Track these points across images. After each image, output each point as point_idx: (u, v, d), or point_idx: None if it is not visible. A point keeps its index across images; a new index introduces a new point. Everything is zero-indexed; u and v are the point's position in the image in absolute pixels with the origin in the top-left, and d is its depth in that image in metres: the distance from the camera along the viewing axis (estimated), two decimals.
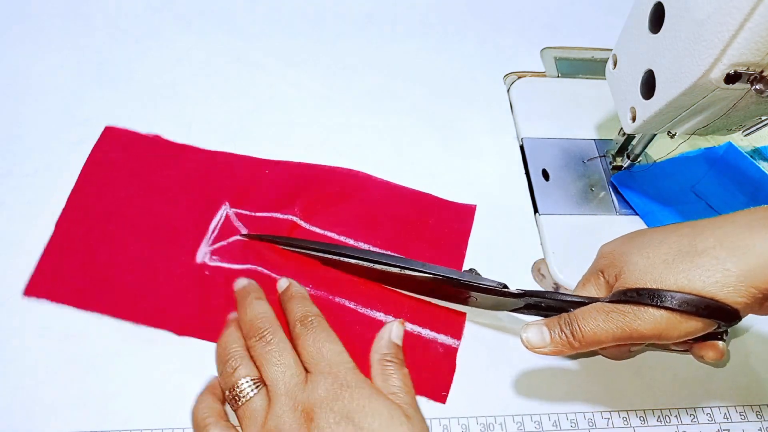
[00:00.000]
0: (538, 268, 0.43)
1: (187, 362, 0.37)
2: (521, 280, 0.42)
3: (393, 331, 0.36)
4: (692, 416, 0.38)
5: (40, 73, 0.48)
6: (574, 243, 0.43)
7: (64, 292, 0.38)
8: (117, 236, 0.40)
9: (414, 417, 0.32)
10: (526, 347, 0.33)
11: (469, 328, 0.40)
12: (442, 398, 0.37)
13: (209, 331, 0.37)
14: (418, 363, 0.37)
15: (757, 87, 0.31)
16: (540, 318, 0.35)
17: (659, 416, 0.37)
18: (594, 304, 0.33)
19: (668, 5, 0.34)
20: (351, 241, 0.42)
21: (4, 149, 0.44)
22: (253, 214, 0.42)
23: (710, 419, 0.38)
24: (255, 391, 0.32)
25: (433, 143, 0.48)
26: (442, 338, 0.39)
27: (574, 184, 0.47)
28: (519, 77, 0.53)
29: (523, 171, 0.47)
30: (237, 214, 0.42)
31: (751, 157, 0.48)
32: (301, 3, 0.56)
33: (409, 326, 0.38)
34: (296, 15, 0.55)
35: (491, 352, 0.39)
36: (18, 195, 0.42)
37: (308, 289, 0.39)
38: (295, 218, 0.42)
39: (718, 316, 0.29)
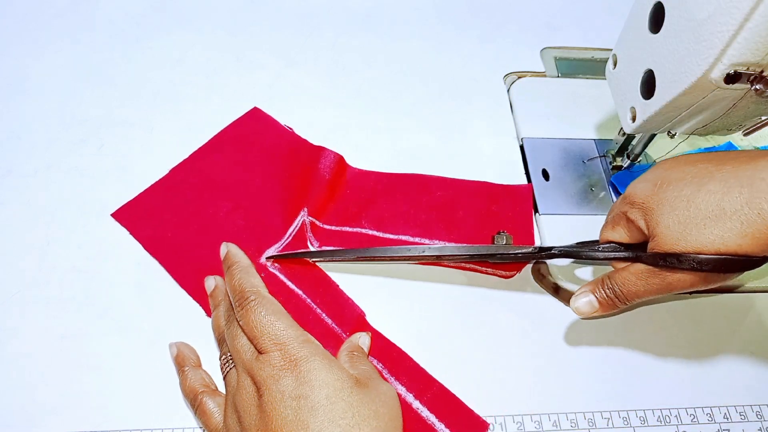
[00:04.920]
0: (538, 269, 0.43)
1: None
2: (521, 280, 0.42)
3: (362, 338, 0.37)
4: (692, 416, 0.38)
5: (40, 73, 0.48)
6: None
7: (143, 231, 0.41)
8: (210, 206, 0.42)
9: (372, 386, 0.32)
10: (579, 315, 0.37)
11: (468, 328, 0.40)
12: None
13: None
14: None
15: (757, 87, 0.31)
16: (582, 284, 0.37)
17: (659, 416, 0.37)
18: (634, 267, 0.34)
19: (668, 5, 0.34)
20: (426, 241, 0.42)
21: (4, 149, 0.44)
22: (324, 226, 0.42)
23: (710, 419, 0.38)
24: (231, 365, 0.34)
25: (433, 143, 0.48)
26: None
27: (574, 184, 0.47)
28: (519, 77, 0.53)
29: (523, 171, 0.47)
30: (311, 224, 0.42)
31: None
32: (301, 3, 0.56)
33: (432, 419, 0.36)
34: (296, 14, 0.55)
35: (491, 352, 0.39)
36: (18, 195, 0.42)
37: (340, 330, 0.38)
38: (365, 230, 0.42)
39: (755, 265, 0.31)
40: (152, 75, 0.49)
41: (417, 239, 0.42)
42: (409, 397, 0.36)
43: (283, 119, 0.48)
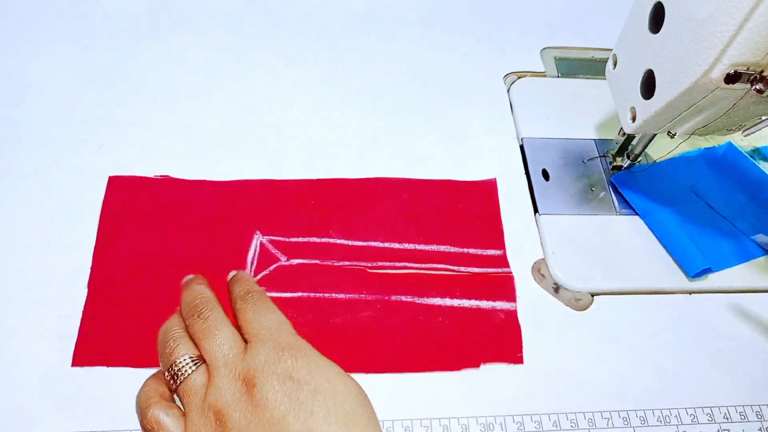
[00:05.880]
0: (538, 268, 0.43)
1: None
2: (521, 280, 0.42)
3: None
4: (692, 416, 0.38)
5: (40, 73, 0.48)
6: (574, 243, 0.43)
7: (112, 356, 0.36)
8: (153, 288, 0.39)
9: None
10: None
11: None
12: (519, 359, 0.38)
13: None
14: (487, 334, 0.39)
15: (757, 87, 0.31)
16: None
17: (659, 416, 0.37)
18: None
19: (668, 5, 0.34)
20: (396, 245, 0.42)
21: (4, 149, 0.44)
22: (287, 239, 0.42)
23: (710, 419, 0.38)
24: (193, 367, 0.31)
25: (433, 143, 0.48)
26: (499, 305, 0.40)
27: (574, 184, 0.47)
28: (519, 77, 0.53)
29: (523, 171, 0.47)
30: (271, 242, 0.41)
31: (751, 157, 0.48)
32: (301, 3, 0.56)
33: (467, 302, 0.40)
34: (296, 15, 0.55)
35: None
36: (18, 195, 0.42)
37: (362, 295, 0.39)
38: (333, 240, 0.42)
39: None
40: (152, 75, 0.49)
41: (386, 245, 0.42)
42: (446, 301, 0.40)
43: (283, 119, 0.48)
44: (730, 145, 0.48)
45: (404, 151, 0.48)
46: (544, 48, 0.55)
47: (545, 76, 0.54)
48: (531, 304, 0.41)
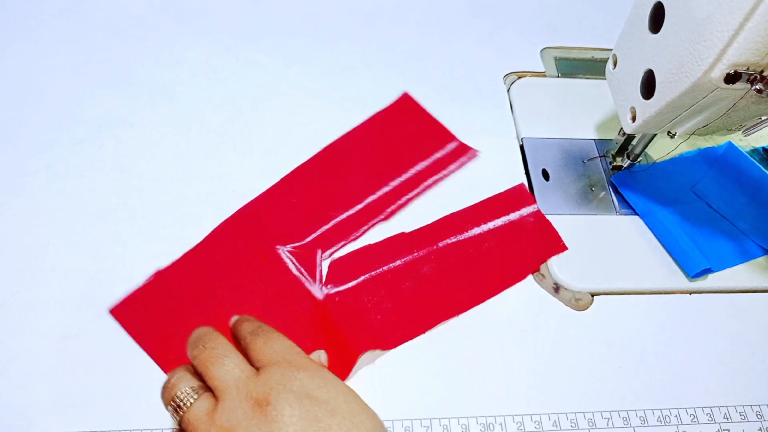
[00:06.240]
0: (538, 268, 0.43)
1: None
2: (521, 280, 0.42)
3: (321, 355, 0.35)
4: (692, 416, 0.38)
5: (40, 73, 0.48)
6: (573, 243, 0.43)
7: (143, 334, 0.37)
8: (206, 300, 0.39)
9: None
10: None
11: (468, 329, 0.40)
12: (563, 247, 0.42)
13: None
14: (528, 239, 0.43)
15: (757, 87, 0.31)
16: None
17: (659, 416, 0.37)
18: None
19: (668, 5, 0.34)
20: (387, 188, 0.45)
21: (4, 149, 0.44)
22: (304, 241, 0.42)
23: (710, 419, 0.38)
24: (195, 396, 0.30)
25: None
26: (524, 211, 0.44)
27: (574, 184, 0.47)
28: (519, 77, 0.53)
29: (523, 171, 0.47)
30: (294, 249, 0.41)
31: (750, 156, 0.48)
32: (301, 3, 0.56)
33: (500, 221, 0.44)
34: (296, 15, 0.55)
35: (491, 352, 0.39)
36: (18, 195, 0.42)
37: (415, 254, 0.41)
38: (339, 218, 0.43)
39: None
40: (152, 75, 0.49)
41: (381, 192, 0.44)
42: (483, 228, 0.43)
43: (283, 119, 0.48)
44: (730, 144, 0.48)
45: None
46: (544, 48, 0.55)
47: (545, 76, 0.54)
48: (531, 304, 0.41)
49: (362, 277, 0.40)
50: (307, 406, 0.28)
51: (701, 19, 0.31)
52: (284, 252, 0.41)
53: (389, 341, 0.38)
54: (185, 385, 0.30)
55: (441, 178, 0.46)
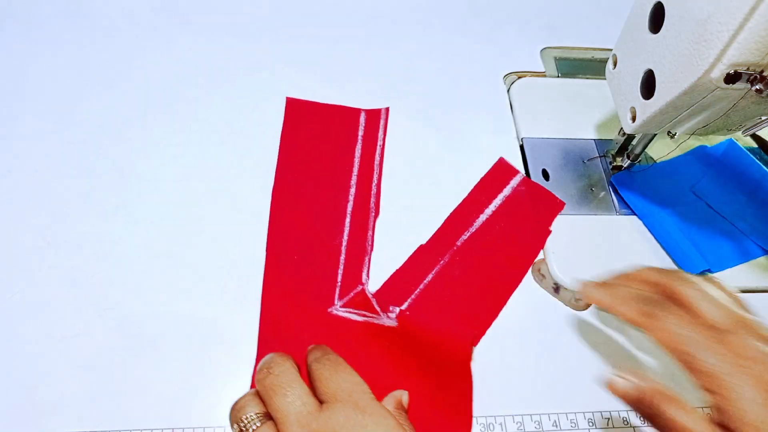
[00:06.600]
0: (538, 268, 0.43)
1: (187, 362, 0.37)
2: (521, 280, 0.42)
3: (404, 396, 0.35)
4: None
5: (40, 73, 0.48)
6: (574, 243, 0.43)
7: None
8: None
9: None
10: (608, 385, 0.30)
11: None
12: (562, 203, 0.45)
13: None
14: (529, 208, 0.44)
15: (757, 87, 0.31)
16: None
17: None
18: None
19: (668, 5, 0.34)
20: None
21: (4, 149, 0.44)
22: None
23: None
24: (259, 423, 0.30)
25: (433, 143, 0.48)
26: (513, 182, 0.46)
27: (574, 184, 0.47)
28: (519, 77, 0.53)
29: (523, 171, 0.47)
30: (345, 305, 0.41)
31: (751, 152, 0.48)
32: (301, 3, 0.56)
33: (497, 200, 0.45)
34: (296, 15, 0.55)
35: (491, 351, 0.39)
36: (18, 195, 0.42)
37: (441, 261, 0.41)
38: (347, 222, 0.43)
39: None
40: (152, 75, 0.49)
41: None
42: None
43: (282, 119, 0.48)
44: (731, 142, 0.48)
45: (404, 150, 0.47)
46: (544, 48, 0.55)
47: (545, 76, 0.54)
48: (531, 304, 0.41)
49: (417, 290, 0.40)
50: None
51: (701, 19, 0.31)
52: (338, 310, 0.39)
53: (475, 336, 0.39)
54: (252, 411, 0.30)
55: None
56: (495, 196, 0.45)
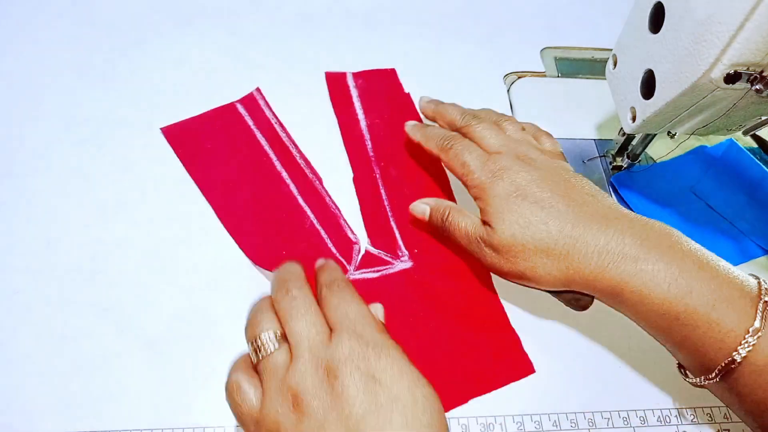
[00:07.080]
0: None
1: (187, 362, 0.37)
2: None
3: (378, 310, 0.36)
4: (692, 416, 0.38)
5: (40, 72, 0.48)
6: None
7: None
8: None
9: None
10: (412, 210, 0.40)
11: None
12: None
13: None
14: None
15: (757, 87, 0.31)
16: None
17: (659, 416, 0.37)
18: (475, 222, 0.36)
19: (668, 5, 0.34)
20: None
21: (4, 149, 0.44)
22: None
23: (710, 419, 0.38)
24: (276, 345, 0.31)
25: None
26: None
27: None
28: (519, 77, 0.53)
29: None
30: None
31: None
32: (301, 3, 0.56)
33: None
34: (296, 14, 0.55)
35: None
36: (18, 195, 0.42)
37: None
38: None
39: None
40: (152, 75, 0.49)
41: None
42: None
43: (283, 119, 0.48)
44: (731, 142, 0.48)
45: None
46: (544, 48, 0.55)
47: (545, 76, 0.54)
48: (531, 304, 0.41)
49: (390, 219, 0.43)
50: (371, 389, 0.28)
51: (701, 19, 0.31)
52: (353, 275, 0.41)
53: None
54: (270, 330, 0.31)
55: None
56: (352, 102, 0.48)
